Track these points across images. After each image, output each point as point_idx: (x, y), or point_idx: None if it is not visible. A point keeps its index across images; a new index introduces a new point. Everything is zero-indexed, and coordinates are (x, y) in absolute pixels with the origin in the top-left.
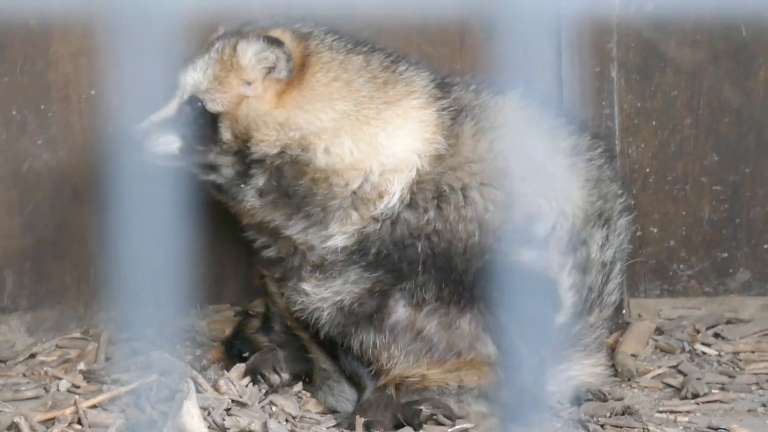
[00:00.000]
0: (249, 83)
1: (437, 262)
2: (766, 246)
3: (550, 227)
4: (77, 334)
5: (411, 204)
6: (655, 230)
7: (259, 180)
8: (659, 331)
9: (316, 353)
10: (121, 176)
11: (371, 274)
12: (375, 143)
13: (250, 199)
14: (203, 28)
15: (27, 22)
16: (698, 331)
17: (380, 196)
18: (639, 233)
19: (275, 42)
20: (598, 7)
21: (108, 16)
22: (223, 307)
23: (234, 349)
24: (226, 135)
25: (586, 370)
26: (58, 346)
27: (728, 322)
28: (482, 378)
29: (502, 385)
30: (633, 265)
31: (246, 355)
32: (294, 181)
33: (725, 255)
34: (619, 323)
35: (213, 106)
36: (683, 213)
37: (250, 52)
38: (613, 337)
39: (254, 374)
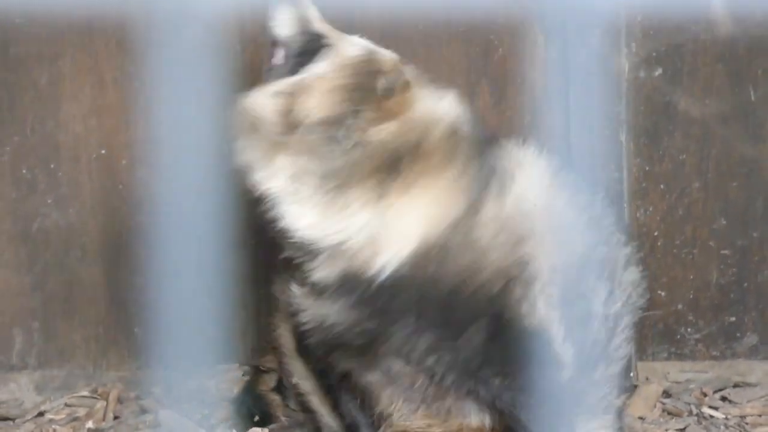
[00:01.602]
0: None
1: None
2: None
3: (544, 282)
4: (86, 393)
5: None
6: (663, 293)
7: None
8: (667, 394)
9: (320, 408)
10: (131, 237)
11: (358, 312)
12: None
13: None
14: None
15: (37, 82)
16: (705, 395)
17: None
18: (647, 296)
19: None
20: (609, 71)
21: (118, 77)
22: (231, 366)
23: (244, 408)
24: None
25: None
26: (66, 405)
27: (735, 385)
28: None
29: None
30: (641, 328)
31: (257, 419)
32: None
33: (733, 319)
34: (626, 386)
35: None
36: (691, 276)
37: None
38: (620, 400)
39: None
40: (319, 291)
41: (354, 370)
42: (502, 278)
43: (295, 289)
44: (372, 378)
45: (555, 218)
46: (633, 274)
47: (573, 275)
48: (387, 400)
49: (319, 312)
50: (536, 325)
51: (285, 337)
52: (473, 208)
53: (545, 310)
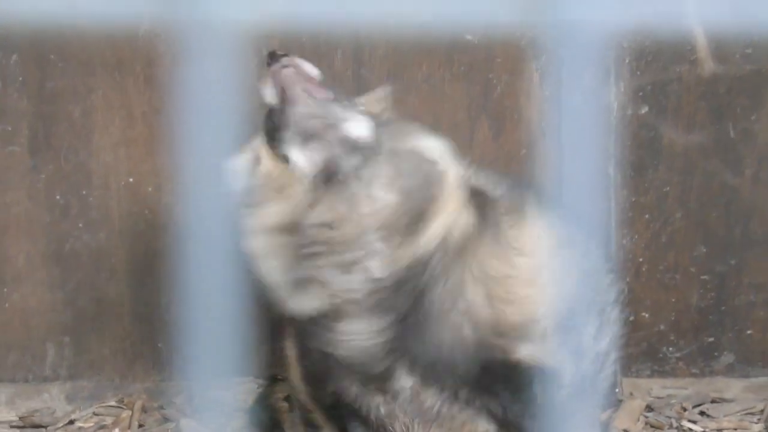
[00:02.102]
0: None
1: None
2: (749, 332)
3: (546, 324)
4: (113, 403)
5: None
6: (647, 315)
7: None
8: (649, 408)
9: (325, 426)
10: (156, 259)
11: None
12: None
13: None
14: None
15: (71, 115)
16: (685, 409)
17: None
18: (632, 318)
19: None
20: (599, 108)
21: (146, 111)
22: (246, 379)
23: (256, 417)
24: None
25: None
26: (95, 414)
27: (713, 401)
28: None
29: None
30: (626, 348)
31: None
32: None
33: (711, 339)
34: (612, 401)
35: None
36: (673, 300)
37: None
38: (606, 414)
39: None
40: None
41: (366, 394)
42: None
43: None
44: (386, 401)
45: (555, 271)
46: (618, 311)
47: (569, 314)
48: (401, 423)
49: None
50: (534, 358)
51: (290, 354)
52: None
53: (543, 346)
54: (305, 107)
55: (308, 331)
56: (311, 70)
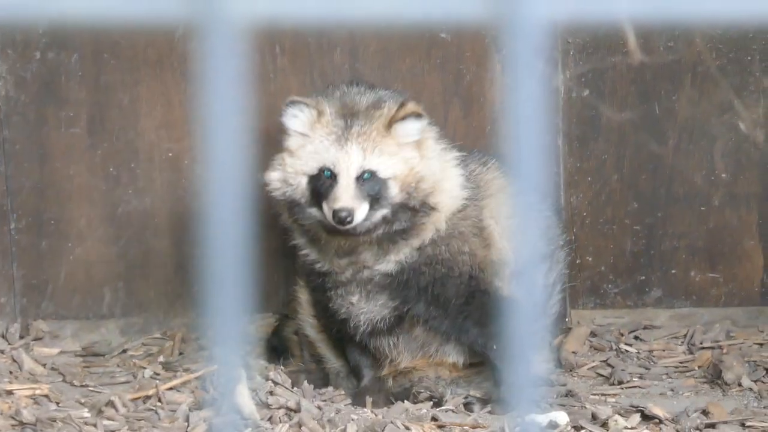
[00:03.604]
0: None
1: (435, 288)
2: (673, 271)
3: (513, 267)
4: (158, 335)
5: (436, 239)
6: (590, 259)
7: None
8: (593, 334)
9: (328, 354)
10: (192, 218)
11: (392, 303)
12: (448, 189)
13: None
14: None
15: (121, 103)
16: (622, 335)
17: (431, 230)
18: (578, 261)
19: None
20: (550, 91)
21: (182, 99)
22: (267, 315)
23: (270, 346)
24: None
25: (537, 363)
26: (143, 344)
27: (645, 328)
28: (454, 372)
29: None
30: (574, 285)
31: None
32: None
33: (643, 278)
34: (563, 328)
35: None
36: (611, 246)
37: None
38: (558, 339)
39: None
40: (369, 288)
41: (378, 339)
42: (478, 264)
43: (340, 293)
44: (385, 339)
45: (516, 223)
46: (564, 253)
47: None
48: (395, 351)
49: (363, 308)
50: (503, 291)
51: (301, 299)
52: (463, 205)
53: (509, 282)
54: None
55: (318, 288)
56: None
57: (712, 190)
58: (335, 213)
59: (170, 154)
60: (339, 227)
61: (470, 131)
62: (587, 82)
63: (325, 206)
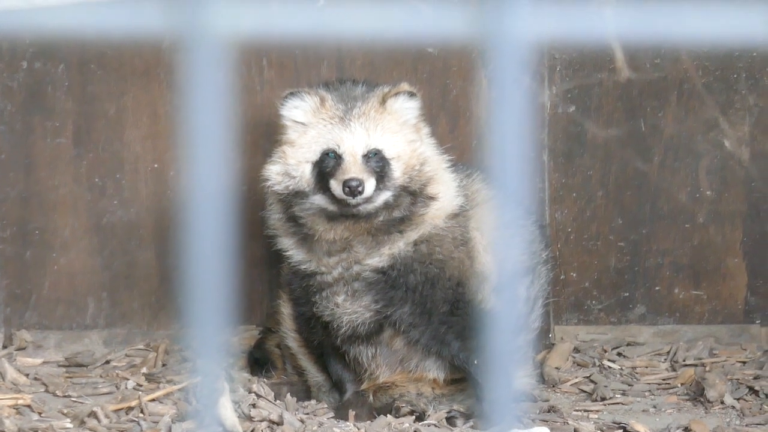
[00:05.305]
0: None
1: (425, 289)
2: (657, 288)
3: (495, 282)
4: (141, 346)
5: (432, 235)
6: (574, 275)
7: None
8: (576, 350)
9: (310, 367)
10: (176, 229)
11: (375, 305)
12: (447, 182)
13: (379, 215)
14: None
15: (107, 113)
16: (605, 351)
17: (429, 225)
18: (562, 277)
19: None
20: (535, 107)
21: (168, 110)
22: (251, 327)
23: (252, 358)
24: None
25: (519, 378)
26: (127, 355)
27: (628, 344)
28: (436, 389)
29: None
30: (557, 301)
31: (262, 365)
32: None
33: (626, 294)
34: (546, 344)
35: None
36: (595, 262)
37: None
38: (541, 355)
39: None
40: (356, 286)
41: (348, 344)
42: (465, 273)
43: (325, 295)
44: (364, 349)
45: (500, 236)
46: (546, 269)
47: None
48: (374, 364)
49: (348, 309)
50: (486, 304)
51: (284, 313)
52: (458, 211)
53: (491, 295)
54: None
55: (301, 298)
56: None
57: (697, 207)
58: (346, 183)
59: (156, 165)
60: (349, 200)
61: (456, 145)
62: (573, 98)
63: (333, 183)
